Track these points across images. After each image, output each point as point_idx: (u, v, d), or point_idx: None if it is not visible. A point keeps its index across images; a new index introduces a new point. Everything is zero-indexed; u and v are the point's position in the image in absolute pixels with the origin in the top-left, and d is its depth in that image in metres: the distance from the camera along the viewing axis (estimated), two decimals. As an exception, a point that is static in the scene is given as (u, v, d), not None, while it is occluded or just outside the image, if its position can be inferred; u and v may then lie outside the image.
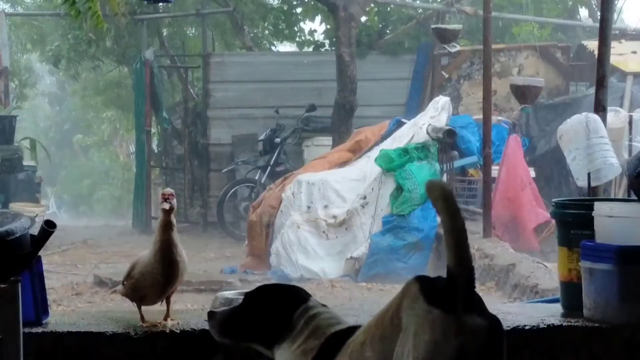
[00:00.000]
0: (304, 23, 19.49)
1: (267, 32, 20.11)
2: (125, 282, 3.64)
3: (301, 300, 2.86)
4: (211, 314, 2.96)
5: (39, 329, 3.55)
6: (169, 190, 3.51)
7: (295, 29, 19.17)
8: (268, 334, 2.85)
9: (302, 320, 2.80)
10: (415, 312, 2.46)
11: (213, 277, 9.87)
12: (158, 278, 3.50)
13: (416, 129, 11.26)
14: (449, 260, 2.47)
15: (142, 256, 3.60)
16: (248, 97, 16.15)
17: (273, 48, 20.41)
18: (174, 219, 3.50)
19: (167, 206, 3.45)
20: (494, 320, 2.48)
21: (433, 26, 15.05)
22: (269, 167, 14.52)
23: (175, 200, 3.51)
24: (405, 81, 16.02)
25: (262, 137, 15.20)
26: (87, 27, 17.23)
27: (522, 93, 12.62)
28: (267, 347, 2.88)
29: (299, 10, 18.91)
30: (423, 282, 2.52)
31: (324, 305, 2.90)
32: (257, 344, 2.90)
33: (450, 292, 2.44)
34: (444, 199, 2.49)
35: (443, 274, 2.54)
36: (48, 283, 4.37)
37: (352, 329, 2.75)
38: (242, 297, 2.99)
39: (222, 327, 2.92)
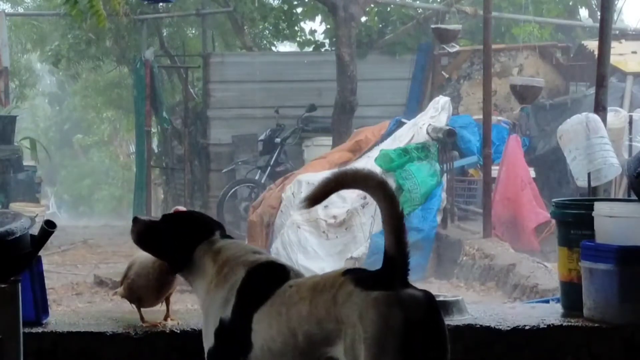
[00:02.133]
0: (304, 23, 19.50)
1: (267, 32, 20.08)
2: (122, 282, 3.66)
3: (207, 234, 3.01)
4: (135, 220, 3.14)
5: (39, 329, 3.55)
6: (183, 208, 3.54)
7: (296, 28, 19.15)
8: (171, 258, 3.04)
9: (207, 257, 2.95)
10: (353, 301, 2.59)
11: (213, 277, 9.86)
12: (153, 282, 3.53)
13: (416, 129, 11.26)
14: (387, 243, 2.64)
15: (139, 256, 3.61)
16: (248, 97, 16.14)
17: (273, 48, 20.38)
18: None
19: None
20: (428, 293, 2.66)
21: (433, 26, 15.05)
22: (269, 167, 14.50)
23: None
24: (405, 81, 16.01)
25: (262, 137, 15.20)
26: (87, 27, 17.22)
27: (522, 93, 12.63)
28: (174, 269, 3.09)
29: (299, 10, 18.89)
30: (353, 277, 2.66)
31: (229, 236, 3.03)
32: (167, 263, 3.10)
33: (387, 274, 2.62)
34: (381, 187, 2.67)
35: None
36: (48, 283, 4.37)
37: (274, 265, 2.90)
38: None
39: (139, 236, 3.10)
